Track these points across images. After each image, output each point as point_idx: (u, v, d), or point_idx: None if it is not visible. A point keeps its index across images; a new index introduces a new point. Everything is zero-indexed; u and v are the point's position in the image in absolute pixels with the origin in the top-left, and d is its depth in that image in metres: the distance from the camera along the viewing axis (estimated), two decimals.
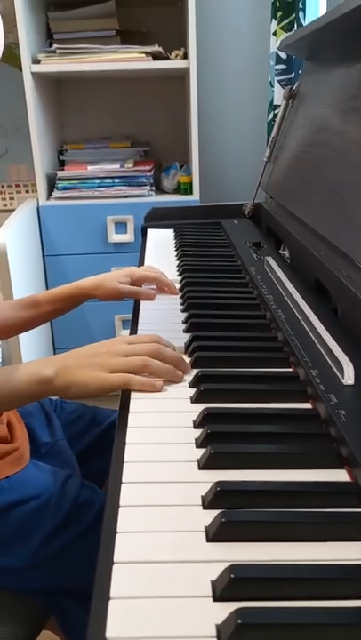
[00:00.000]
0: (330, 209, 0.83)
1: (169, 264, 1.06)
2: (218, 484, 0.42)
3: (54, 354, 2.06)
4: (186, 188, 1.95)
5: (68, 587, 0.70)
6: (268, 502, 0.41)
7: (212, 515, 0.40)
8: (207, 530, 0.39)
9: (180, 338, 0.71)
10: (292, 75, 1.80)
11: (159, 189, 2.01)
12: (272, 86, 1.85)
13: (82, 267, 1.95)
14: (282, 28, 1.79)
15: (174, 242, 1.22)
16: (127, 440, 0.50)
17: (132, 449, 0.48)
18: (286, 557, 0.37)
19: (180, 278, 0.96)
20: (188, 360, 0.65)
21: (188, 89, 1.80)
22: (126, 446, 0.49)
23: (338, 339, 0.64)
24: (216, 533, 0.38)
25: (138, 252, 1.27)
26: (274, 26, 1.81)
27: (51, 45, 1.79)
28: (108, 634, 0.31)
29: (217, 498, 0.41)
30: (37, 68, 1.74)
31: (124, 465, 0.46)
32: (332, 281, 0.77)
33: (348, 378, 0.55)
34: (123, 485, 0.43)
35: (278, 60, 1.80)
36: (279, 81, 1.82)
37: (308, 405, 0.55)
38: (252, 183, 1.33)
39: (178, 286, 0.93)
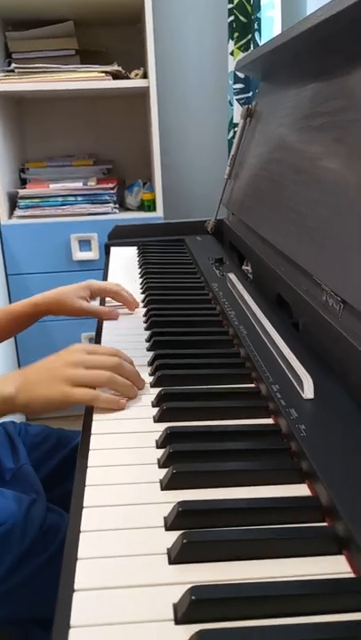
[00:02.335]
0: (289, 225, 0.85)
1: (132, 282, 1.06)
2: (179, 504, 0.41)
3: None
4: (149, 205, 1.96)
5: (38, 614, 0.68)
6: (231, 521, 0.41)
7: (174, 536, 0.40)
8: (169, 552, 0.39)
9: (143, 356, 0.71)
10: (250, 94, 1.84)
11: (123, 207, 2.02)
12: (231, 105, 1.89)
13: (46, 285, 1.90)
14: (239, 48, 1.83)
15: (138, 259, 1.22)
16: (89, 463, 0.49)
17: (94, 472, 0.48)
18: (250, 576, 0.37)
19: (143, 296, 0.96)
20: (150, 378, 0.65)
21: (149, 107, 1.82)
22: (88, 469, 0.48)
23: (298, 353, 0.65)
24: (178, 555, 0.38)
25: (102, 269, 1.26)
26: (231, 46, 1.84)
27: (9, 65, 1.78)
28: None
29: (179, 518, 0.41)
30: None
31: (86, 489, 0.46)
32: (292, 296, 0.78)
33: (308, 392, 0.56)
34: (84, 510, 0.43)
35: (236, 80, 1.84)
36: (238, 99, 1.86)
37: (270, 421, 0.56)
38: (214, 199, 1.35)
39: (140, 304, 0.93)
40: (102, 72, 1.76)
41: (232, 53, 1.85)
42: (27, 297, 2.04)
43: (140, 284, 1.05)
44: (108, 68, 1.77)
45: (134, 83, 1.80)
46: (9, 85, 1.74)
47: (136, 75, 1.82)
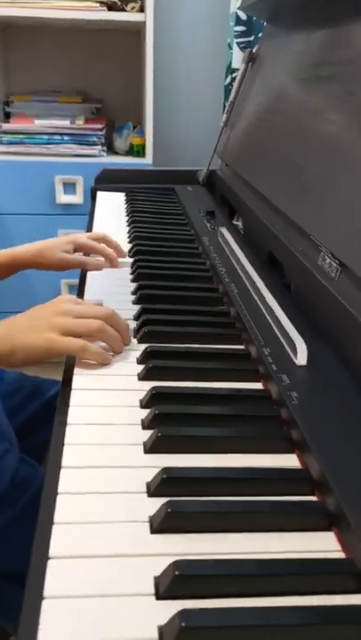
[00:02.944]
0: (287, 180, 0.81)
1: (119, 230, 1.01)
2: (164, 470, 0.39)
3: None
4: (139, 151, 1.88)
5: (8, 568, 0.66)
6: (217, 490, 0.39)
7: (157, 503, 0.38)
8: (151, 520, 0.37)
9: (128, 309, 0.67)
10: (252, 38, 1.74)
11: (111, 150, 1.94)
12: (231, 49, 1.79)
13: (28, 227, 1.86)
14: None
15: (125, 207, 1.17)
16: (69, 420, 0.46)
17: (73, 430, 0.45)
18: (234, 550, 0.35)
19: (130, 245, 0.92)
20: (136, 333, 0.62)
21: (144, 45, 1.72)
22: (67, 427, 0.46)
23: (291, 316, 0.62)
24: (161, 524, 0.36)
25: (87, 214, 1.21)
26: None
27: None
28: (41, 639, 0.29)
29: (163, 485, 0.39)
30: None
31: (65, 448, 0.43)
32: (286, 256, 0.75)
33: (302, 358, 0.53)
34: (62, 470, 0.40)
35: (238, 22, 1.74)
36: (238, 43, 1.76)
37: (259, 385, 0.54)
38: (207, 147, 1.29)
39: (127, 254, 0.89)
40: (97, 2, 1.65)
41: None
42: (6, 238, 1.97)
43: (128, 232, 1.00)
44: None
45: (130, 16, 1.69)
46: None
47: (132, 8, 1.70)
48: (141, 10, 1.69)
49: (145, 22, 1.67)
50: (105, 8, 1.65)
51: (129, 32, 1.93)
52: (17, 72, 2.00)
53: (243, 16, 1.73)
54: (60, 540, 0.35)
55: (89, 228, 1.07)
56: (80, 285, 0.80)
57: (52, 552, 0.34)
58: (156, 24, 1.73)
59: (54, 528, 0.36)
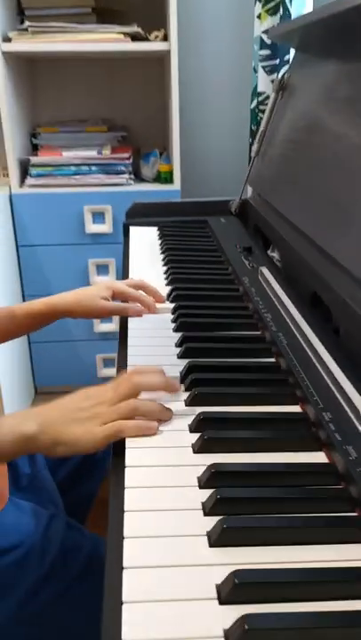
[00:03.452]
0: (327, 217, 0.78)
1: (155, 269, 1.00)
2: (235, 575, 0.36)
3: (30, 351, 1.98)
4: (166, 177, 1.87)
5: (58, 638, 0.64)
6: (292, 594, 0.36)
7: (230, 614, 0.35)
8: (226, 634, 0.34)
9: (174, 364, 0.65)
10: (277, 61, 1.72)
11: (138, 177, 1.93)
12: (256, 72, 1.77)
13: (58, 258, 1.87)
14: (266, 12, 1.70)
15: (159, 243, 1.15)
16: (125, 507, 0.44)
17: (131, 518, 0.43)
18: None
19: (168, 288, 0.89)
20: (185, 395, 0.59)
21: (169, 72, 1.71)
22: (125, 514, 0.43)
23: (345, 369, 0.59)
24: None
25: (116, 243, 1.19)
26: (258, 8, 1.72)
27: (22, 23, 1.67)
28: None
29: (235, 594, 0.36)
30: (8, 47, 1.63)
31: (124, 543, 0.40)
32: (333, 298, 0.72)
33: None
34: (124, 574, 0.38)
35: (263, 45, 1.72)
36: (263, 67, 1.74)
37: (322, 456, 0.50)
38: (234, 172, 1.27)
39: (166, 296, 0.87)
40: (120, 33, 1.65)
41: (259, 17, 1.73)
42: (37, 269, 1.97)
43: (164, 272, 0.98)
44: (127, 29, 1.66)
45: (154, 45, 1.69)
46: (22, 45, 1.64)
47: (156, 37, 1.70)
48: (165, 38, 1.69)
49: (169, 51, 1.67)
50: (129, 39, 1.66)
51: (152, 60, 1.93)
52: (43, 103, 2.02)
53: (267, 40, 1.71)
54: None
55: (125, 267, 1.06)
56: (121, 334, 0.78)
57: None
58: (181, 51, 1.72)
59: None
